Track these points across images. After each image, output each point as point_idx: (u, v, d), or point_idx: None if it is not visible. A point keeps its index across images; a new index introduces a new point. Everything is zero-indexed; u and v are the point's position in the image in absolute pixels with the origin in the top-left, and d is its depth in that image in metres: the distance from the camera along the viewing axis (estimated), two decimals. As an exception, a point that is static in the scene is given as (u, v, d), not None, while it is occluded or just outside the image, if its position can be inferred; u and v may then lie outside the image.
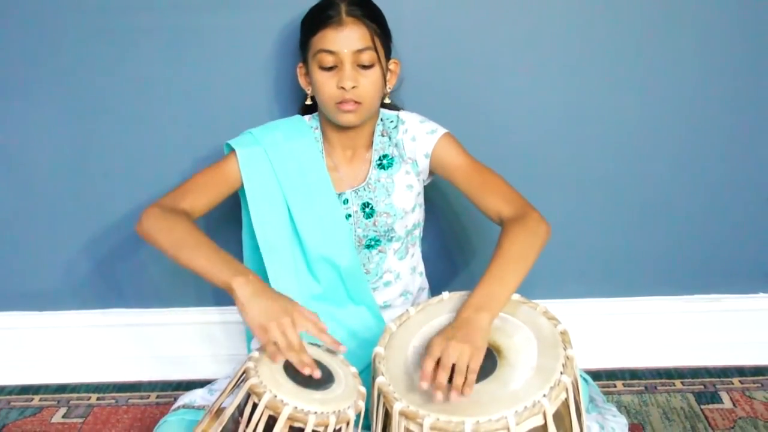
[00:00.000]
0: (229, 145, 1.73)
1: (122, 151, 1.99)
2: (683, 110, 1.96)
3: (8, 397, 2.11)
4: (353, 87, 1.62)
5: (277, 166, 1.71)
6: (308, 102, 1.73)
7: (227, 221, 1.89)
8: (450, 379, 1.35)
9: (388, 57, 1.70)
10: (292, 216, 1.72)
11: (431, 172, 1.77)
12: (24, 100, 1.96)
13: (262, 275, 1.67)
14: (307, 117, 1.79)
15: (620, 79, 1.93)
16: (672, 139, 1.98)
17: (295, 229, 1.72)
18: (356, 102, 1.64)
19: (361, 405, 1.45)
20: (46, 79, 1.94)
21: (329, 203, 1.73)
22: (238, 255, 1.77)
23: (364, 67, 1.63)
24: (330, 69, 1.64)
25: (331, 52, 1.62)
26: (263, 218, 1.70)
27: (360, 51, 1.62)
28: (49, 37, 1.91)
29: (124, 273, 2.09)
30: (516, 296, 1.53)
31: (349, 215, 1.75)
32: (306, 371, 1.42)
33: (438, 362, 1.37)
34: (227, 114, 1.94)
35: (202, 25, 1.89)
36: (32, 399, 2.10)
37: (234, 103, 1.94)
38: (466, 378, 1.35)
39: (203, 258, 1.52)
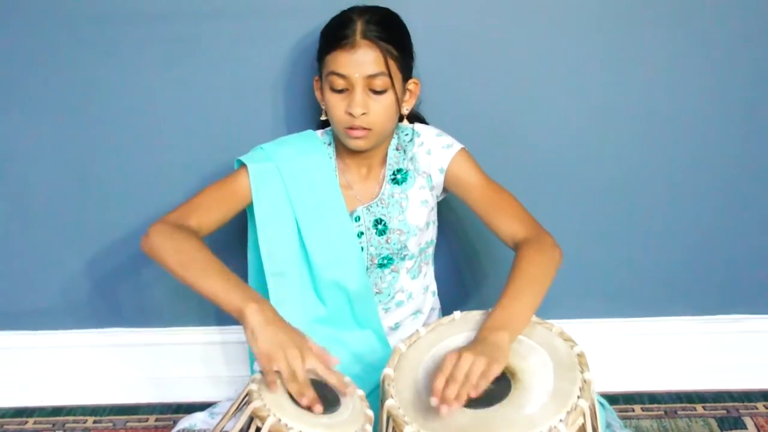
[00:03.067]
0: (240, 161, 1.71)
1: (125, 165, 1.99)
2: (707, 125, 1.95)
3: (1, 420, 2.10)
4: (363, 114, 1.61)
5: (289, 183, 1.70)
6: (323, 118, 1.72)
7: (231, 240, 1.88)
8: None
9: (407, 77, 1.68)
10: (301, 235, 1.71)
11: (444, 189, 1.76)
12: (23, 111, 1.96)
13: (267, 296, 1.67)
14: (319, 132, 1.78)
15: (641, 96, 1.94)
16: (694, 155, 1.98)
17: (304, 249, 1.71)
18: (365, 129, 1.63)
19: (369, 429, 1.43)
20: (47, 89, 1.94)
21: (341, 223, 1.71)
22: (241, 275, 1.76)
23: (376, 92, 1.62)
24: (341, 92, 1.62)
25: (342, 76, 1.60)
26: (271, 237, 1.69)
27: (372, 76, 1.60)
28: (53, 46, 1.91)
29: (122, 291, 2.09)
30: (531, 316, 1.52)
31: (361, 233, 1.73)
32: (303, 402, 1.40)
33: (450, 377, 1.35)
34: (236, 128, 1.94)
35: (212, 34, 1.89)
36: (26, 422, 2.10)
37: (243, 116, 1.94)
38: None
39: (213, 280, 1.50)
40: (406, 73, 1.68)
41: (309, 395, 1.40)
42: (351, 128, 1.63)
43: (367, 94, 1.61)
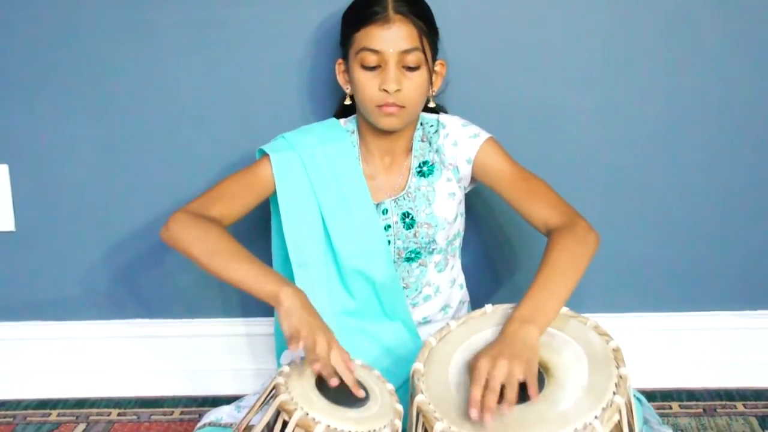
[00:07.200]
0: (261, 150, 1.73)
1: (146, 153, 2.02)
2: (746, 109, 1.96)
3: (24, 411, 2.13)
4: (397, 90, 1.62)
5: (312, 172, 1.71)
6: (347, 102, 1.72)
7: (254, 230, 1.90)
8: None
9: (434, 57, 1.69)
10: (326, 226, 1.72)
11: (473, 179, 1.76)
12: (43, 99, 1.99)
13: None
14: (342, 120, 1.79)
15: (670, 89, 1.95)
16: (731, 145, 1.98)
17: (329, 240, 1.73)
18: (399, 106, 1.64)
19: (398, 424, 1.45)
20: (68, 77, 1.97)
21: (366, 213, 1.72)
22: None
23: (410, 69, 1.63)
24: (372, 69, 1.63)
25: (375, 51, 1.61)
26: (295, 228, 1.71)
27: (406, 52, 1.61)
28: (72, 32, 1.94)
29: (147, 281, 2.11)
30: (564, 310, 1.52)
31: (389, 226, 1.75)
32: (333, 382, 1.43)
33: (486, 385, 1.35)
34: (258, 115, 1.96)
35: (232, 19, 1.92)
36: (49, 414, 2.12)
37: (265, 103, 1.96)
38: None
39: (243, 268, 1.53)
40: (435, 51, 1.69)
41: (330, 372, 1.43)
42: (383, 105, 1.64)
43: (400, 71, 1.62)
